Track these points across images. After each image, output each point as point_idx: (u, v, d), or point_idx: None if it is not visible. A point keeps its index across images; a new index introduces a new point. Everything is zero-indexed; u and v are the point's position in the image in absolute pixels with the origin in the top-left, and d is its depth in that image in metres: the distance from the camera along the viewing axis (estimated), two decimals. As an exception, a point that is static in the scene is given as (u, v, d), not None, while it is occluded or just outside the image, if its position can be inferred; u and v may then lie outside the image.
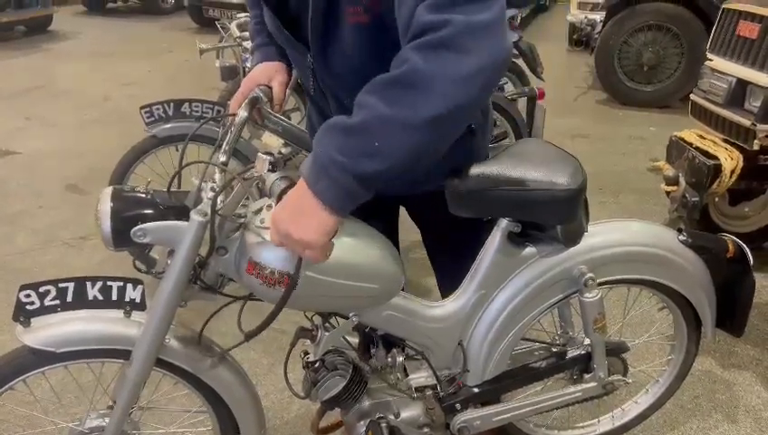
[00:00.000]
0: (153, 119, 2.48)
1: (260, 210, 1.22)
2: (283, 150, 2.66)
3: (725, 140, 2.46)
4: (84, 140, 4.49)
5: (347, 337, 1.48)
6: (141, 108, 2.48)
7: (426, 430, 1.54)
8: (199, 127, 1.53)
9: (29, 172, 3.95)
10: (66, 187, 3.73)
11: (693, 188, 2.33)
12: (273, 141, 2.69)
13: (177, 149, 2.53)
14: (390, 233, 1.65)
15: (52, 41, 7.91)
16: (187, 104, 2.49)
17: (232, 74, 2.85)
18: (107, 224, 1.18)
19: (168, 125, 2.49)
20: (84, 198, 3.60)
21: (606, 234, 1.50)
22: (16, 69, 6.52)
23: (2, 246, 3.06)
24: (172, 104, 2.48)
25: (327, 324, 1.43)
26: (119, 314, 1.31)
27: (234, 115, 1.35)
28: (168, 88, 5.45)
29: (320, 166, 0.95)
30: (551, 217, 1.37)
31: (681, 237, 1.56)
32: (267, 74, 1.38)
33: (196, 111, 2.50)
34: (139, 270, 1.28)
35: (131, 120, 4.22)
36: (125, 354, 1.30)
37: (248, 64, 2.63)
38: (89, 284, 1.28)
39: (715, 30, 2.64)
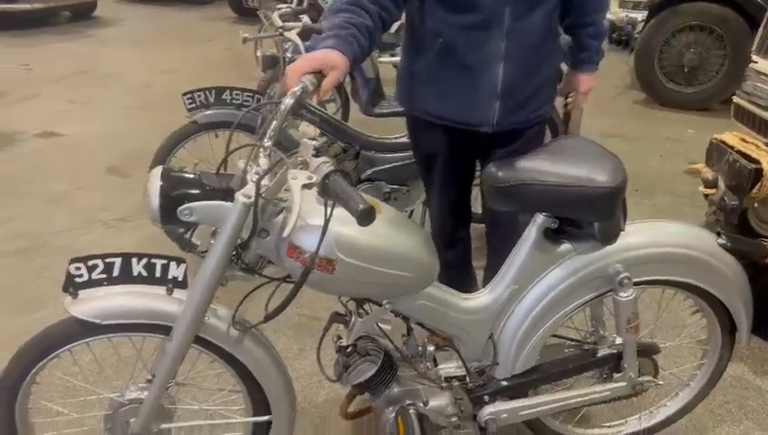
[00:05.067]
0: (194, 105, 2.53)
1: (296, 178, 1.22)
2: (319, 140, 2.70)
3: (768, 145, 2.41)
4: (125, 124, 4.60)
5: (380, 324, 1.50)
6: (183, 94, 2.53)
7: (453, 419, 1.56)
8: (244, 114, 1.57)
9: (72, 154, 4.06)
10: (107, 169, 3.83)
11: (732, 192, 2.28)
12: (309, 131, 2.73)
13: (216, 136, 2.58)
14: (464, 198, 1.91)
15: (95, 27, 8.09)
16: (227, 92, 2.53)
17: (272, 64, 2.90)
18: (155, 201, 1.22)
19: (209, 112, 2.54)
20: (124, 180, 3.69)
21: (643, 233, 1.50)
22: (61, 54, 6.69)
23: (45, 224, 3.16)
24: (213, 91, 2.53)
25: (361, 311, 1.46)
26: (161, 290, 1.35)
27: (278, 103, 1.38)
28: (207, 76, 5.53)
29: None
30: (589, 214, 1.38)
31: (720, 241, 1.54)
32: (334, 61, 1.38)
33: (237, 99, 2.55)
34: (184, 249, 1.33)
35: (171, 106, 4.29)
36: (165, 330, 1.35)
37: (289, 54, 2.67)
38: (134, 260, 1.33)
39: (762, 31, 2.58)
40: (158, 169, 1.27)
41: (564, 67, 1.99)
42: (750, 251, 1.58)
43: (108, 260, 1.32)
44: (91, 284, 1.32)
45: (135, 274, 1.34)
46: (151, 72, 5.97)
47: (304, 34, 2.66)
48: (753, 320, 1.64)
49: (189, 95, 2.53)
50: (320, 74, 1.40)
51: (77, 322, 1.32)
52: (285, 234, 1.13)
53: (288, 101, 1.33)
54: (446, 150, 1.77)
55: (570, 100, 2.07)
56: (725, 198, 2.25)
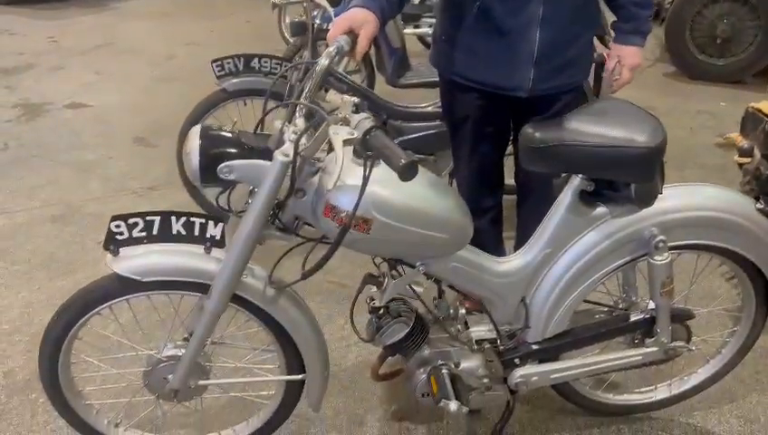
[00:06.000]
0: (223, 72, 2.53)
1: (338, 133, 1.23)
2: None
3: (806, 114, 2.35)
4: (151, 95, 4.63)
5: (412, 286, 1.51)
6: (213, 61, 2.53)
7: (484, 381, 1.57)
8: (275, 81, 1.58)
9: (100, 124, 4.10)
10: (134, 139, 3.87)
11: (768, 162, 2.25)
12: (336, 100, 2.73)
13: (244, 104, 2.59)
14: (494, 167, 1.89)
15: (119, 0, 8.10)
16: (256, 59, 2.53)
17: (301, 30, 2.88)
18: (195, 160, 1.23)
19: (237, 79, 2.53)
20: (151, 150, 3.73)
21: (680, 197, 1.48)
22: (86, 26, 6.72)
23: (77, 192, 3.22)
24: (242, 59, 2.52)
25: (394, 272, 1.47)
26: (200, 249, 1.38)
27: (314, 63, 1.39)
28: (230, 48, 5.52)
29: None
30: (627, 175, 1.36)
31: (759, 205, 1.52)
32: (363, 18, 1.40)
33: (265, 67, 2.54)
34: (223, 209, 1.34)
35: (195, 77, 4.32)
36: (203, 288, 1.37)
37: (317, 21, 2.66)
38: (173, 218, 1.35)
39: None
40: (198, 128, 1.28)
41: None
42: (789, 217, 1.55)
43: (148, 218, 1.34)
44: (131, 241, 1.35)
45: (174, 232, 1.36)
46: (174, 44, 5.98)
47: (334, 0, 2.64)
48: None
49: (218, 63, 2.53)
50: (353, 34, 1.41)
51: (118, 278, 1.36)
52: (329, 187, 1.14)
53: (324, 62, 1.33)
54: (478, 115, 1.76)
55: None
56: (761, 167, 2.22)
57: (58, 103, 4.44)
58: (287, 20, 2.99)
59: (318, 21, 2.64)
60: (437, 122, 2.56)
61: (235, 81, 2.53)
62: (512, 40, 1.61)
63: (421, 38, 4.85)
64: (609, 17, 1.90)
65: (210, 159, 1.23)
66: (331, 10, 2.54)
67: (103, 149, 3.72)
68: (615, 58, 1.81)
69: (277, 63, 2.56)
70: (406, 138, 2.62)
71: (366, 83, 3.66)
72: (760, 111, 2.40)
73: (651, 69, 5.27)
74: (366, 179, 1.17)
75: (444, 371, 1.51)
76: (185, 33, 6.38)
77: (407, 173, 1.06)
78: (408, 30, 3.85)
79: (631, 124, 1.31)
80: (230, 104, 2.60)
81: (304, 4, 2.71)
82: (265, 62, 2.54)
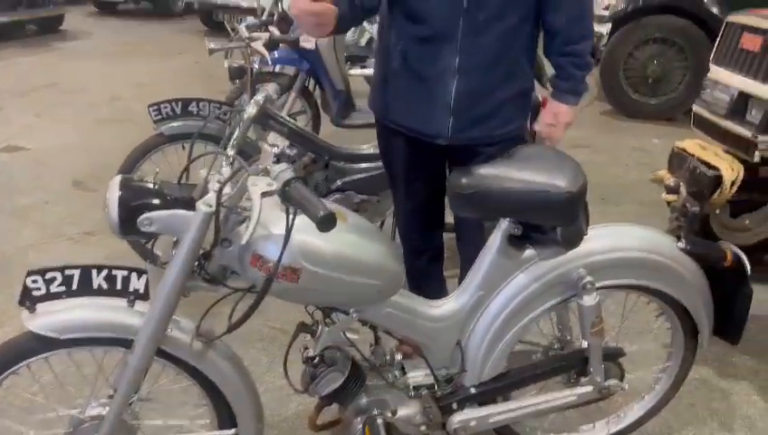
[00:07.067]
0: (161, 117, 2.50)
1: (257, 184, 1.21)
2: (288, 152, 2.69)
3: (727, 152, 2.48)
4: (93, 137, 4.53)
5: (347, 333, 1.50)
6: (149, 106, 2.50)
7: (422, 428, 1.55)
8: (205, 124, 1.57)
9: (37, 168, 3.98)
10: (73, 183, 3.76)
11: (693, 198, 2.34)
12: (279, 143, 2.73)
13: (183, 148, 2.55)
14: (430, 207, 1.89)
15: (63, 40, 7.98)
16: (194, 103, 2.51)
17: (240, 74, 2.89)
18: (114, 211, 1.20)
19: (175, 123, 2.51)
20: (90, 194, 3.63)
21: (605, 238, 1.52)
22: (28, 67, 6.58)
23: (9, 239, 3.08)
24: (180, 103, 2.50)
25: (328, 320, 1.45)
26: (122, 302, 1.33)
27: (241, 111, 1.39)
28: (178, 89, 5.45)
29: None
30: (550, 219, 1.40)
31: (680, 245, 1.57)
32: None
33: (203, 111, 2.52)
34: (146, 260, 1.31)
35: (140, 119, 4.24)
36: (127, 343, 1.32)
37: (256, 66, 2.67)
38: (94, 272, 1.30)
39: (719, 42, 2.66)
40: (117, 179, 1.26)
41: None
42: (709, 254, 1.61)
43: (67, 272, 1.29)
44: (49, 297, 1.29)
45: (95, 286, 1.31)
46: (120, 85, 5.90)
47: (271, 45, 2.66)
48: (715, 323, 1.67)
49: (155, 107, 2.50)
50: (277, 84, 1.42)
51: (34, 336, 1.29)
52: (243, 241, 1.13)
53: (251, 110, 1.34)
54: (408, 159, 1.78)
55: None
56: (687, 204, 2.31)
57: (-7, 147, 4.30)
58: (226, 64, 2.99)
59: (256, 66, 2.65)
60: (379, 163, 2.58)
61: (172, 124, 2.50)
62: (431, 86, 1.63)
63: (368, 79, 4.93)
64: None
65: (129, 211, 1.20)
66: (267, 55, 2.56)
67: (40, 194, 3.59)
68: (550, 114, 1.77)
69: (216, 107, 2.54)
70: (348, 179, 2.63)
71: (311, 125, 3.68)
72: (684, 150, 2.51)
73: (589, 108, 5.48)
74: (289, 231, 1.16)
75: (378, 420, 1.48)
76: (131, 75, 6.31)
77: (324, 225, 1.05)
78: (356, 71, 3.92)
79: (552, 169, 1.35)
80: (168, 148, 2.56)
81: (243, 50, 2.72)
82: (203, 105, 2.52)
